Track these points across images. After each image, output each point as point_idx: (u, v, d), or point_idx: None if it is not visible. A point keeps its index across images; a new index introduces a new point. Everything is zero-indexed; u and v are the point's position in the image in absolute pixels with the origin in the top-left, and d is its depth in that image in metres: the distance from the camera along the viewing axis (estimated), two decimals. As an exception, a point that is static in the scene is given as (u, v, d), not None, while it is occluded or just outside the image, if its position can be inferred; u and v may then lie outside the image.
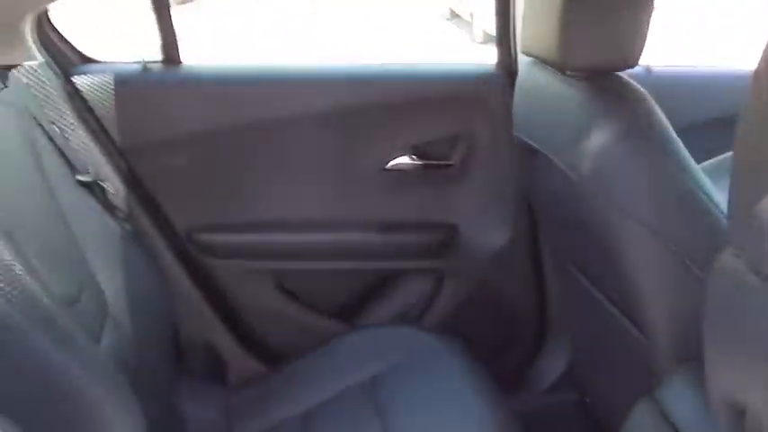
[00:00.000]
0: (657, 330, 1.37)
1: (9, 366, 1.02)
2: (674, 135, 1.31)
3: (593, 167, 1.43)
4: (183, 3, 10.62)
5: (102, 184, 1.74)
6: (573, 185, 1.50)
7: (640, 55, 1.37)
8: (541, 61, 1.49)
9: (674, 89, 1.83)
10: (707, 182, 1.30)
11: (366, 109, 1.90)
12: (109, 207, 1.76)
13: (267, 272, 2.01)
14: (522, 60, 1.73)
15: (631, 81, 1.39)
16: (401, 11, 10.58)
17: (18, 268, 1.07)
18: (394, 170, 1.95)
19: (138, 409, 1.19)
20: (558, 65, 1.41)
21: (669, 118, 1.34)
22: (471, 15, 9.27)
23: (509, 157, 1.87)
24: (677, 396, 1.22)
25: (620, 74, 1.41)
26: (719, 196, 1.29)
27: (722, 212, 1.26)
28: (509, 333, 2.02)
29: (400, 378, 1.71)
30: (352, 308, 2.05)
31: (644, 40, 1.36)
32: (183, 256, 1.97)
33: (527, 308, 2.00)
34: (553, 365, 1.98)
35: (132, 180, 1.88)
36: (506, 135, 1.81)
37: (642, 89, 1.37)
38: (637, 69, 1.39)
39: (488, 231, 1.95)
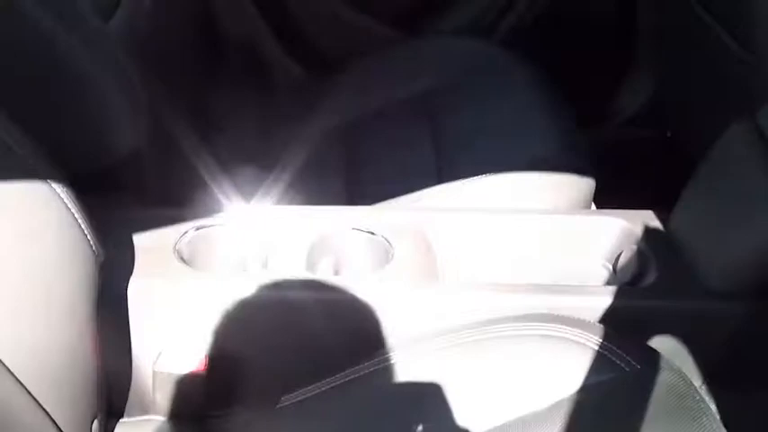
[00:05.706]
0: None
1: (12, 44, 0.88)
2: None
3: None
4: None
5: None
6: None
7: None
8: None
9: None
10: None
11: None
12: None
13: None
14: None
15: None
16: None
17: None
18: None
19: (144, 99, 1.04)
20: None
21: None
22: None
23: None
24: None
25: None
26: None
27: None
28: (590, 59, 1.77)
29: (461, 89, 1.52)
30: (414, 13, 1.79)
31: None
32: None
33: (613, 31, 1.75)
34: (634, 99, 1.74)
35: None
36: None
37: None
38: None
39: None
